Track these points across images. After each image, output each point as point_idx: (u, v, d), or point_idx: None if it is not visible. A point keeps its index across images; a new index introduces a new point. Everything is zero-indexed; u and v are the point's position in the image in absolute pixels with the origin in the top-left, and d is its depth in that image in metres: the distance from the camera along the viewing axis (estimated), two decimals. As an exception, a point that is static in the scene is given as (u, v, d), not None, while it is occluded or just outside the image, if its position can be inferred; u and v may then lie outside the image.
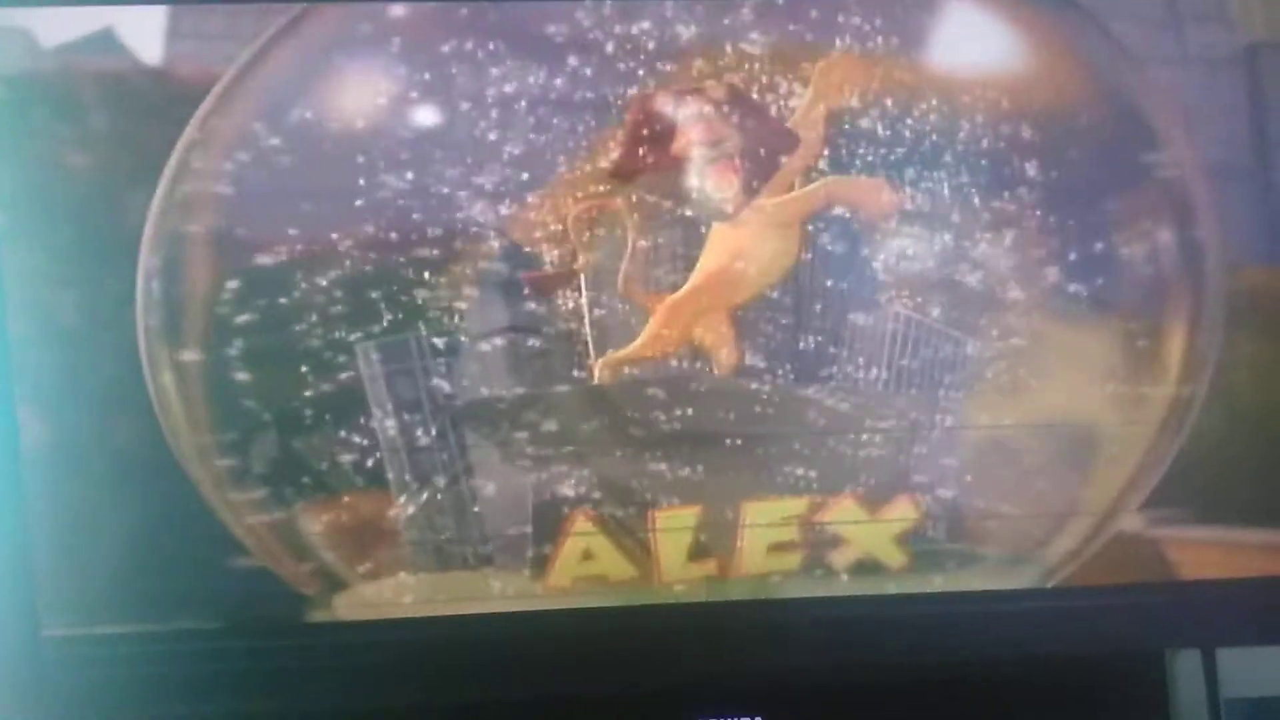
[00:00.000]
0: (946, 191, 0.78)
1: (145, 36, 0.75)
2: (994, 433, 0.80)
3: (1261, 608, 0.81)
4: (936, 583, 0.81)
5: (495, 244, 0.77)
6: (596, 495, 0.79)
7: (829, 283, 0.79)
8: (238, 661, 0.77)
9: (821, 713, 0.82)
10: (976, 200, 0.79)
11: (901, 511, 0.81)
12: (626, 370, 0.78)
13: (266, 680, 0.78)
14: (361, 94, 0.76)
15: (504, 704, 0.79)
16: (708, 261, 0.78)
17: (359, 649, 0.79)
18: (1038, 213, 0.79)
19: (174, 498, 0.77)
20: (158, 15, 0.75)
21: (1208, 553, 0.82)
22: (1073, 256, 0.79)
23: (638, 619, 0.80)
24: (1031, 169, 0.79)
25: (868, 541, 0.81)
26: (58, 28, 0.75)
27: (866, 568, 0.81)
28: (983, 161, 0.78)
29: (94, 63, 0.75)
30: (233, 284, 0.76)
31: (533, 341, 0.78)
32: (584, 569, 0.80)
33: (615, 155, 0.76)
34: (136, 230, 0.76)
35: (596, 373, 0.78)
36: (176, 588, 0.77)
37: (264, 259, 0.76)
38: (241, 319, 0.76)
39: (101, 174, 0.75)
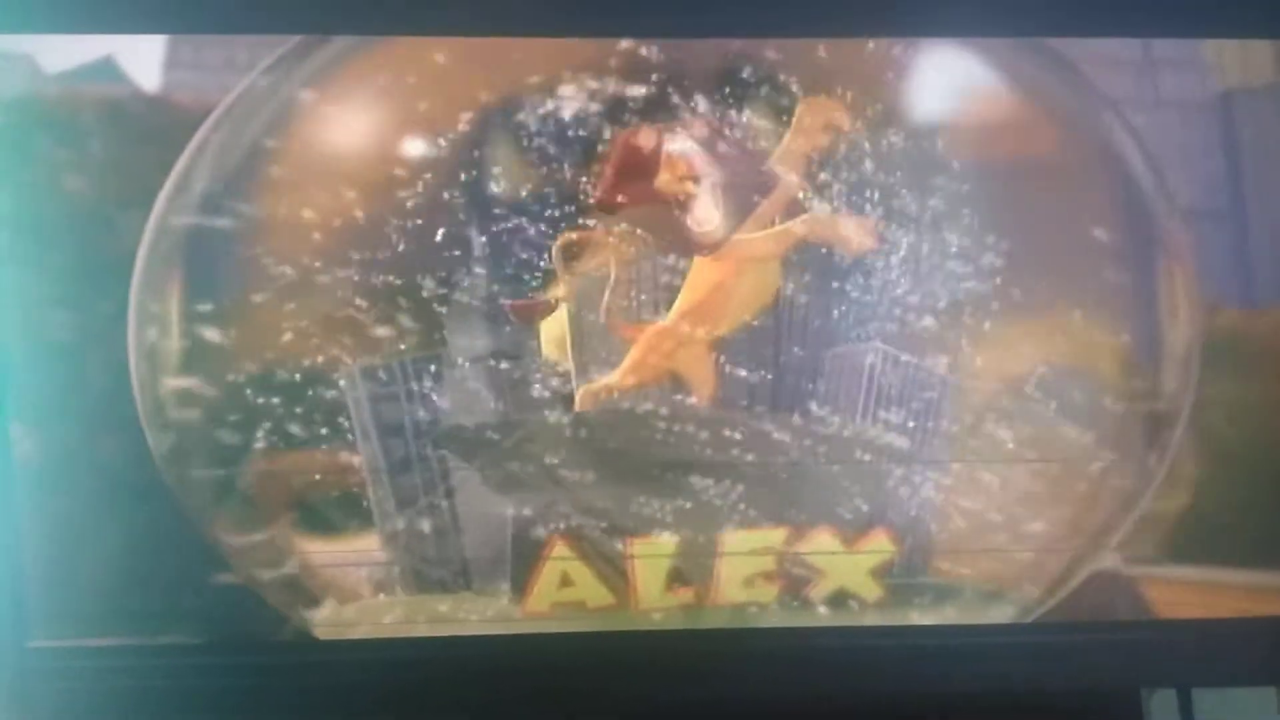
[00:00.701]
0: (923, 230, 0.80)
1: (145, 65, 0.77)
2: (971, 468, 0.81)
3: (1238, 648, 0.81)
4: (912, 617, 0.81)
5: (480, 271, 0.79)
6: (575, 522, 0.80)
7: (808, 316, 0.80)
8: (221, 677, 0.78)
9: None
10: (953, 240, 0.80)
11: (877, 544, 0.81)
12: (607, 399, 0.79)
13: (248, 696, 0.78)
14: (348, 125, 0.78)
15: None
16: (689, 293, 0.79)
17: (338, 668, 0.79)
18: (1013, 254, 0.80)
19: (161, 514, 0.78)
20: (157, 45, 0.77)
21: (1185, 592, 0.82)
22: (1048, 296, 0.80)
23: (614, 645, 0.80)
24: (1007, 211, 0.80)
25: (843, 574, 0.82)
26: (60, 55, 0.77)
27: (842, 600, 0.82)
28: (961, 205, 0.80)
29: (94, 90, 0.77)
30: (220, 307, 0.78)
31: (515, 368, 0.79)
32: (562, 595, 0.80)
33: (599, 188, 0.78)
34: (130, 252, 0.77)
35: (578, 401, 0.79)
36: (162, 603, 0.78)
37: (254, 285, 0.77)
38: (228, 341, 0.78)
39: (98, 197, 0.77)
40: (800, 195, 0.79)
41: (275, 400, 0.78)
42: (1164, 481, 0.81)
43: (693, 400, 0.80)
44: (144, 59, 0.77)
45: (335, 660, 0.80)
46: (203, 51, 0.78)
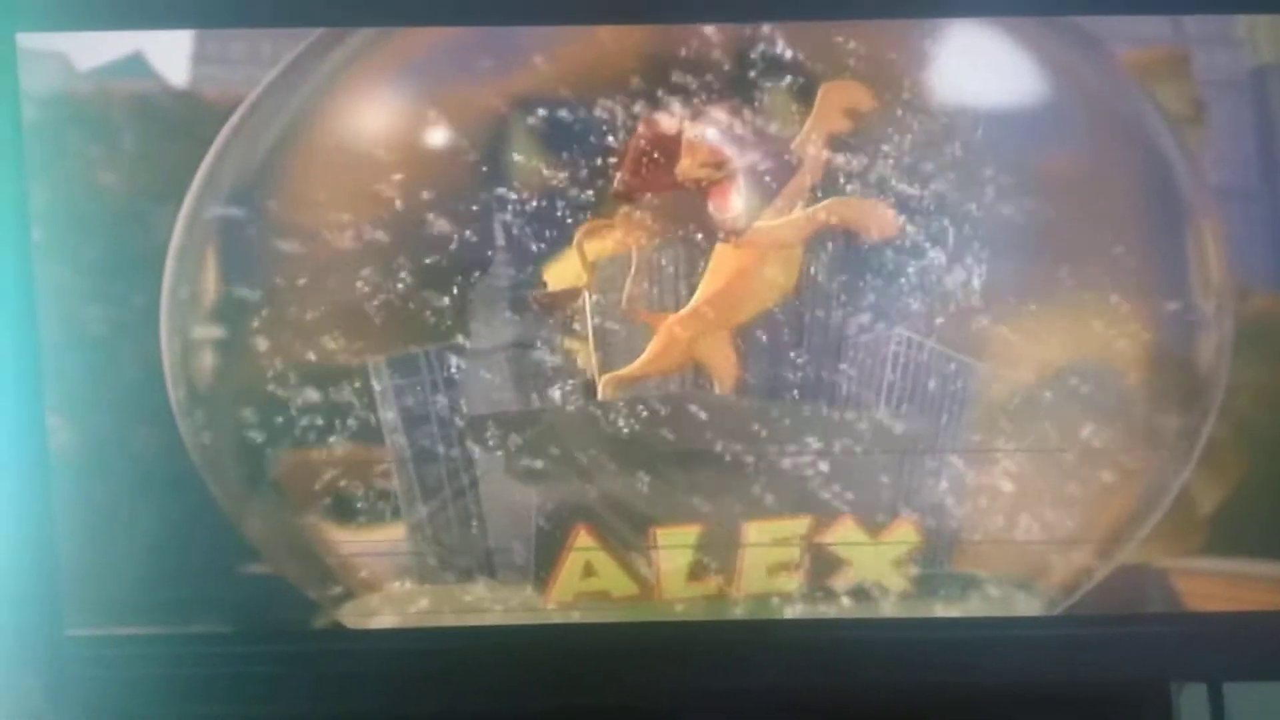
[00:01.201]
0: (948, 215, 0.79)
1: (173, 60, 0.78)
2: (997, 457, 0.80)
3: (1270, 643, 0.80)
4: (937, 609, 0.81)
5: (504, 260, 0.79)
6: (599, 511, 0.80)
7: (831, 303, 0.79)
8: (252, 665, 0.79)
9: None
10: (979, 225, 0.79)
11: (902, 534, 0.81)
12: (630, 388, 0.80)
13: (278, 685, 0.79)
14: (373, 116, 0.79)
15: (504, 716, 0.80)
16: (710, 281, 0.79)
17: (365, 657, 0.80)
18: (1041, 238, 0.79)
19: (194, 504, 0.79)
20: (184, 40, 0.79)
21: (1216, 585, 0.80)
22: (1078, 282, 0.79)
23: (638, 635, 0.80)
24: (1036, 193, 0.79)
25: (868, 565, 0.81)
26: (90, 52, 0.78)
27: (866, 591, 0.81)
28: (985, 186, 0.79)
29: (124, 85, 0.79)
30: (249, 299, 0.79)
31: (539, 358, 0.79)
32: (586, 585, 0.81)
33: (620, 175, 0.78)
34: (161, 246, 0.79)
35: (600, 390, 0.79)
36: (195, 592, 0.80)
37: (282, 277, 0.78)
38: (257, 332, 0.79)
39: (129, 192, 0.79)
40: (822, 180, 0.78)
41: (304, 391, 0.79)
42: (1195, 472, 0.80)
43: (714, 389, 0.80)
44: (172, 54, 0.78)
45: (362, 649, 0.81)
46: (229, 46, 0.79)
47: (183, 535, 0.80)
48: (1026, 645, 0.80)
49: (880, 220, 0.78)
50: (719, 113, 0.77)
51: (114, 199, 0.79)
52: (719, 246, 0.79)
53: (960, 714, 0.81)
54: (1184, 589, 0.81)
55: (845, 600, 0.81)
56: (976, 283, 0.79)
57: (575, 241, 0.78)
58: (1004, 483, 0.80)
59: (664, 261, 0.79)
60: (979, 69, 0.79)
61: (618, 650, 0.80)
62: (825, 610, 0.80)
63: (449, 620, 0.80)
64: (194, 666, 0.79)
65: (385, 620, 0.81)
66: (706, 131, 0.77)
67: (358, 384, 0.79)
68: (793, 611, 0.80)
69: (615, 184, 0.78)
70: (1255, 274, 0.80)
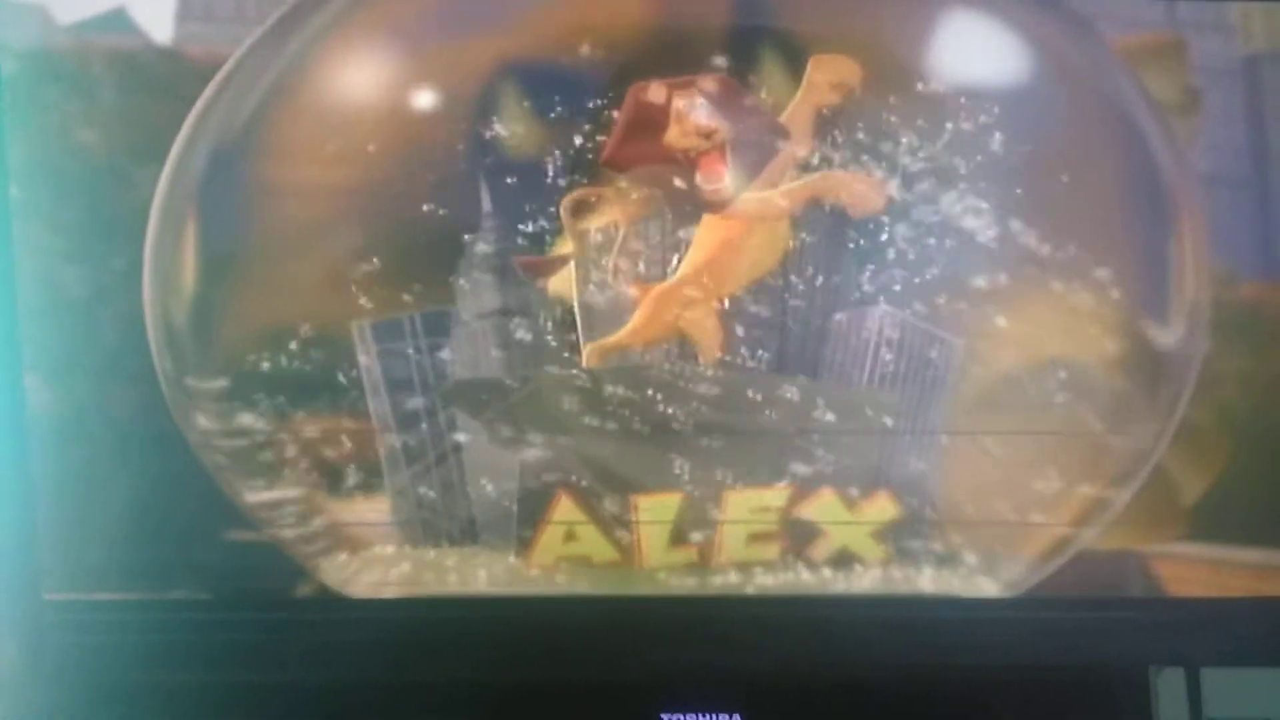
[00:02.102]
0: (933, 192, 0.78)
1: (157, 16, 0.77)
2: (977, 435, 0.80)
3: (1248, 627, 0.80)
4: (915, 581, 0.81)
5: (489, 227, 0.79)
6: (580, 478, 0.80)
7: (817, 277, 0.79)
8: (232, 632, 0.79)
9: (800, 713, 0.82)
10: (964, 203, 0.79)
11: (880, 507, 0.81)
12: (615, 357, 0.79)
13: (258, 651, 0.79)
14: (358, 78, 0.78)
15: (484, 685, 0.80)
16: (696, 251, 0.78)
17: (346, 626, 0.80)
18: (1026, 219, 0.78)
19: (174, 467, 0.79)
20: (169, -4, 0.78)
21: (1195, 570, 0.81)
22: (1064, 261, 0.79)
23: (620, 609, 0.80)
24: (1020, 175, 0.78)
25: (846, 535, 0.81)
26: (72, 5, 0.77)
27: (844, 561, 0.81)
28: (973, 168, 0.78)
29: (107, 41, 0.78)
30: (232, 264, 0.78)
31: (523, 325, 0.79)
32: (567, 549, 0.80)
33: (608, 144, 0.77)
34: (144, 206, 0.78)
35: (585, 358, 0.79)
36: (175, 557, 0.79)
37: (266, 241, 0.78)
38: (240, 297, 0.78)
39: (110, 150, 0.78)
40: (810, 153, 0.78)
41: (286, 355, 0.78)
42: (1177, 458, 0.80)
43: (698, 360, 0.79)
44: (156, 10, 0.77)
45: (343, 618, 0.80)
46: (214, 2, 0.78)
47: (163, 499, 0.79)
48: (1005, 627, 0.80)
49: (868, 194, 0.77)
50: (708, 84, 0.77)
51: (94, 157, 0.78)
52: (706, 218, 0.78)
53: (939, 695, 0.81)
54: (1164, 573, 0.81)
55: (825, 571, 0.80)
56: (960, 261, 0.78)
57: (562, 209, 0.77)
58: (981, 460, 0.80)
59: (651, 232, 0.79)
60: (967, 49, 0.79)
61: (596, 625, 0.80)
62: (804, 581, 0.80)
63: (432, 585, 0.80)
64: (174, 632, 0.78)
65: (368, 588, 0.80)
66: (695, 102, 0.77)
67: (342, 348, 0.78)
68: (771, 580, 0.80)
69: (604, 153, 0.77)
70: (1243, 261, 0.80)
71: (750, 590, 0.78)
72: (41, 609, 0.76)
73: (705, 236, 0.78)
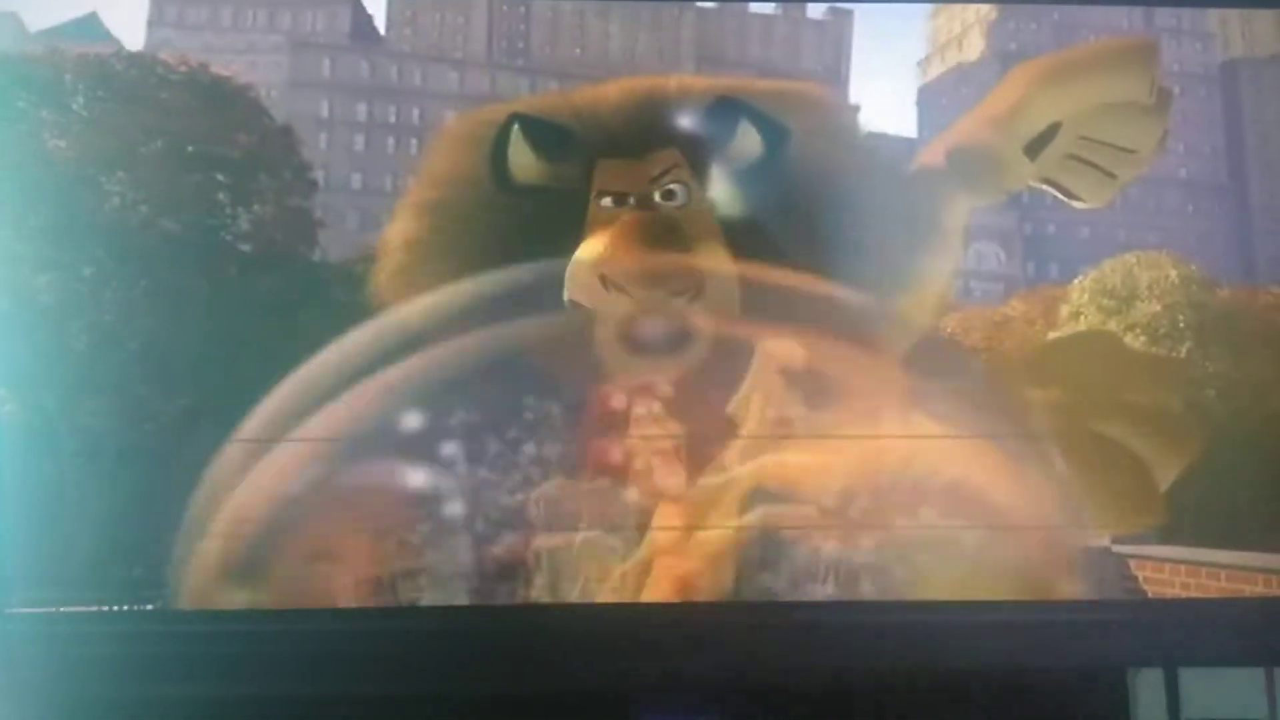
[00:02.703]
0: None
1: (129, 23, 0.77)
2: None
3: (1225, 629, 0.80)
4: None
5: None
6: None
7: (764, 559, 0.79)
8: (199, 646, 0.77)
9: (779, 717, 0.81)
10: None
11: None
12: None
13: (225, 663, 0.77)
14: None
15: (462, 695, 0.79)
16: (655, 536, 0.79)
17: (315, 638, 0.78)
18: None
19: (143, 479, 0.77)
20: (141, 2, 0.77)
21: (1173, 572, 0.81)
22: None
23: (589, 620, 0.80)
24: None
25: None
26: (43, 11, 0.76)
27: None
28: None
29: (78, 47, 0.76)
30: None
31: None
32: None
33: (580, 449, 0.79)
34: (114, 213, 0.76)
35: None
36: (142, 570, 0.78)
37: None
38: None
39: (80, 157, 0.76)
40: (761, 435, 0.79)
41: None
42: (1156, 460, 0.80)
43: None
44: (128, 17, 0.76)
45: (312, 630, 0.79)
46: (186, 10, 0.77)
47: (131, 512, 0.78)
48: (983, 630, 0.80)
49: (815, 475, 0.78)
50: (664, 389, 0.79)
51: (64, 164, 0.76)
52: (661, 505, 0.79)
53: (917, 697, 0.81)
54: (1142, 575, 0.81)
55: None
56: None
57: (532, 507, 0.78)
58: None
59: (614, 524, 0.79)
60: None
61: (570, 635, 0.79)
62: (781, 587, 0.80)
63: (399, 601, 0.79)
64: (140, 645, 0.76)
65: (335, 600, 0.79)
66: (652, 406, 0.79)
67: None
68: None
69: (576, 458, 0.78)
70: (1222, 267, 0.80)
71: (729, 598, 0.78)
72: (5, 623, 0.75)
73: (662, 522, 0.79)
